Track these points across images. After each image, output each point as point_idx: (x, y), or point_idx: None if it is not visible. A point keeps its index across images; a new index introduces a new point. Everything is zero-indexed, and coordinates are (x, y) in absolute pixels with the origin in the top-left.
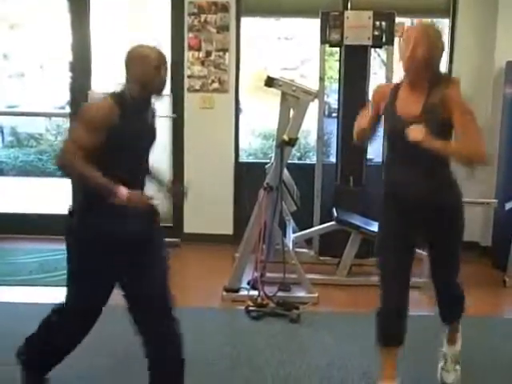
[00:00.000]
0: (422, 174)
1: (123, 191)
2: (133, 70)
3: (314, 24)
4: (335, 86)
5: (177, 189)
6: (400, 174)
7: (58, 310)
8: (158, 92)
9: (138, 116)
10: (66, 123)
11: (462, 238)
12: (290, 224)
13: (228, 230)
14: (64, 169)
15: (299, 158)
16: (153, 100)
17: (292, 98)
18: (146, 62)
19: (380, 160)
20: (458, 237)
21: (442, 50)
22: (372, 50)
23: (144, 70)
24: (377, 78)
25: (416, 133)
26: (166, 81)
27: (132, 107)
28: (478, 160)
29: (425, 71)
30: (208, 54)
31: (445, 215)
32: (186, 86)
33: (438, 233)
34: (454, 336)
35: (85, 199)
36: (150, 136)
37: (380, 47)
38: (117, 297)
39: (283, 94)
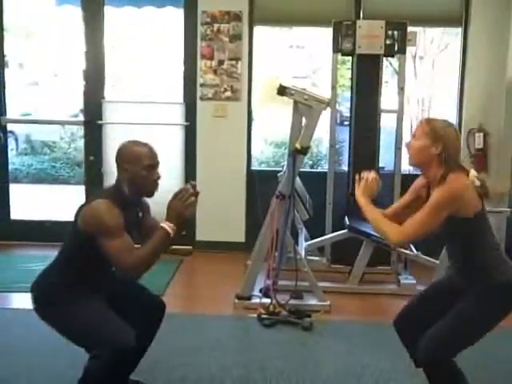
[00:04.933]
0: (457, 265)
1: (168, 228)
2: (124, 170)
3: (326, 33)
4: (347, 94)
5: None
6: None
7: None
8: (150, 192)
9: (129, 212)
10: (79, 131)
11: (477, 326)
12: (302, 232)
13: (240, 237)
14: (142, 267)
15: (311, 167)
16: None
17: (304, 107)
18: (138, 162)
19: (392, 168)
20: (473, 322)
21: (445, 147)
22: (384, 58)
23: (134, 172)
24: (389, 86)
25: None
26: (157, 181)
27: (124, 204)
28: (386, 239)
29: (424, 164)
30: (220, 62)
31: (475, 296)
32: (198, 94)
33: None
34: None
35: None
36: (135, 232)
37: (392, 56)
38: None
39: (295, 103)
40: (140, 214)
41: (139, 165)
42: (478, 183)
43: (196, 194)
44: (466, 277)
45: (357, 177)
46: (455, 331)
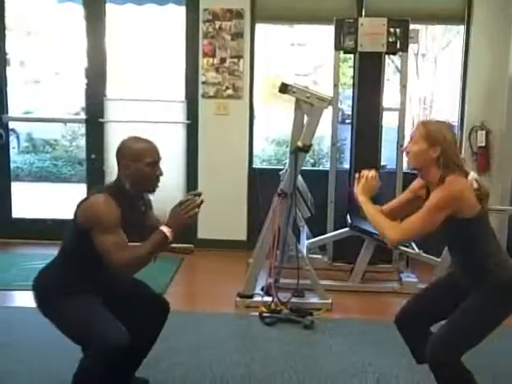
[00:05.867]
0: (459, 265)
1: (168, 233)
2: (126, 167)
3: (327, 30)
4: (348, 92)
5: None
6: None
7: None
8: (151, 188)
9: (130, 209)
10: (81, 129)
11: (481, 325)
12: (304, 230)
13: (242, 235)
14: (133, 266)
15: (313, 165)
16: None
17: (306, 105)
18: (140, 159)
19: (394, 166)
20: (476, 321)
21: (443, 150)
22: (386, 56)
23: (136, 168)
24: (391, 84)
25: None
26: (159, 177)
27: (125, 200)
28: (383, 238)
29: (423, 167)
30: (222, 60)
31: (478, 295)
32: (200, 92)
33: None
34: None
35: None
36: (139, 229)
37: (394, 54)
38: None
39: (297, 101)
40: (143, 208)
41: (141, 161)
42: (475, 186)
43: (200, 205)
44: (467, 276)
45: (356, 175)
46: (461, 331)
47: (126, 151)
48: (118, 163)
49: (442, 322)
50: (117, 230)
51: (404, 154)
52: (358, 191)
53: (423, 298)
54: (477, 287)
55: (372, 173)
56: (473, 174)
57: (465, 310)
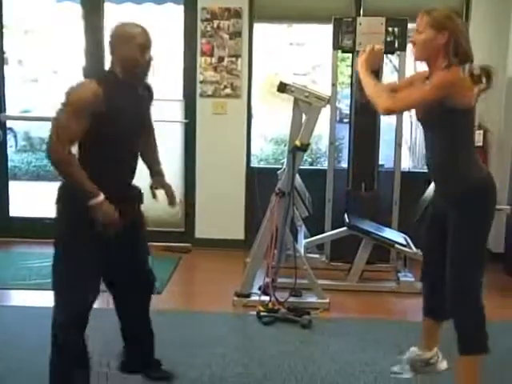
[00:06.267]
0: (434, 170)
1: (100, 203)
2: (117, 50)
3: (325, 30)
4: (346, 91)
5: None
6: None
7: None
8: (142, 73)
9: (124, 98)
10: None
11: (474, 238)
12: (302, 229)
13: (239, 235)
14: (58, 165)
15: (311, 164)
16: (145, 80)
17: (304, 104)
18: (130, 42)
19: (391, 166)
20: (468, 236)
21: (451, 34)
22: (384, 55)
23: (128, 51)
24: None
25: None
26: (150, 62)
27: (117, 88)
28: (376, 106)
29: (431, 57)
30: (220, 59)
31: (456, 210)
32: (198, 91)
33: (449, 228)
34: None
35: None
36: (139, 119)
37: (392, 53)
38: None
39: (295, 100)
40: (141, 93)
41: (131, 45)
42: (477, 72)
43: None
44: (441, 182)
45: (361, 49)
46: (462, 265)
47: (116, 35)
48: (110, 49)
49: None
50: (77, 113)
51: (411, 47)
52: (360, 63)
53: (429, 249)
54: (451, 200)
55: (377, 46)
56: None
57: (453, 243)
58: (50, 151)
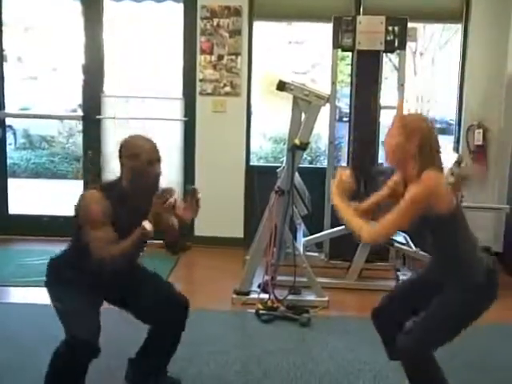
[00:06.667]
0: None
1: (146, 224)
2: (124, 164)
3: (325, 28)
4: (346, 90)
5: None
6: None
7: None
8: (148, 187)
9: (121, 204)
10: (78, 126)
11: (461, 314)
12: (301, 228)
13: (239, 233)
14: (117, 262)
15: (310, 162)
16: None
17: (304, 102)
18: (136, 157)
19: None
20: (456, 311)
21: (422, 141)
22: (384, 54)
23: (133, 166)
24: (388, 82)
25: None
26: (157, 177)
27: (116, 195)
28: (360, 237)
29: (400, 161)
30: (220, 57)
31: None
32: (197, 89)
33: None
34: None
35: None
36: (139, 219)
37: (392, 52)
38: None
39: (295, 98)
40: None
41: (138, 159)
42: (451, 180)
43: (196, 200)
44: (441, 273)
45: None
46: (433, 326)
47: (125, 148)
48: (119, 161)
49: (415, 319)
50: (103, 224)
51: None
52: (333, 192)
53: (403, 291)
54: (449, 285)
55: (344, 172)
56: (449, 168)
57: (437, 306)
58: (101, 262)
